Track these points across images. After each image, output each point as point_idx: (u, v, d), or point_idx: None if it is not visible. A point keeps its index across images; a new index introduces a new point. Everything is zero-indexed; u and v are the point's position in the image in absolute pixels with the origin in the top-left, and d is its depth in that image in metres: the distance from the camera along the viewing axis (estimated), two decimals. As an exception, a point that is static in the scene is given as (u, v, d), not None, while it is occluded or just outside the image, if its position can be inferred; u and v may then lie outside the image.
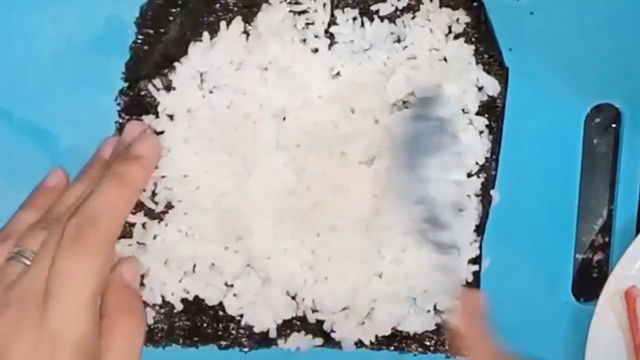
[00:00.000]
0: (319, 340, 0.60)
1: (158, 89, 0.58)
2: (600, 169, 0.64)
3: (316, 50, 0.57)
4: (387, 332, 0.59)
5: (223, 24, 0.58)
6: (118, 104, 0.59)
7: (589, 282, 0.64)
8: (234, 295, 0.58)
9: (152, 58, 0.58)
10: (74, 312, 0.46)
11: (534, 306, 0.63)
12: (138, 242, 0.58)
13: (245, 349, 0.60)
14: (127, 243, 0.58)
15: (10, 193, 0.58)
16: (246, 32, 0.58)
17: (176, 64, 0.58)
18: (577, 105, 0.62)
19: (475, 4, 0.59)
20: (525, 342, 0.63)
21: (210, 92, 0.58)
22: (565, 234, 0.63)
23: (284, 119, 0.57)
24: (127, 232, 0.58)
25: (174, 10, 0.58)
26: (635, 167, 0.63)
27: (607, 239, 0.65)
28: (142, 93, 0.58)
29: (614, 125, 0.64)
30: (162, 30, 0.58)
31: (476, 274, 0.61)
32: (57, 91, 0.59)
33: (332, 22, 0.58)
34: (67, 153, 0.59)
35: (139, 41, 0.58)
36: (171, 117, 0.58)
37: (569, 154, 0.62)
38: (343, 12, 0.58)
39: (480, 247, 0.60)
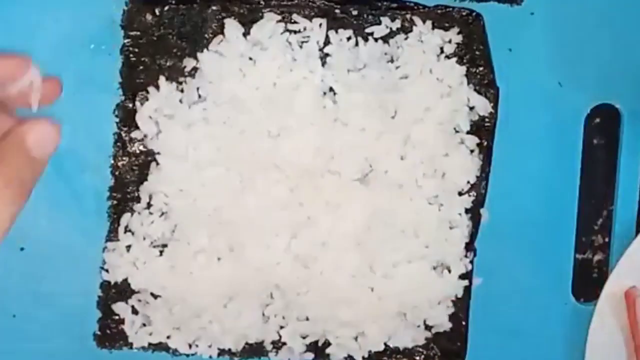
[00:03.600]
0: (310, 355, 0.60)
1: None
2: (600, 169, 0.64)
3: (310, 69, 0.58)
4: (380, 348, 0.60)
5: (220, 38, 0.58)
6: (116, 116, 0.59)
7: (589, 282, 0.64)
8: (224, 305, 0.59)
9: (148, 67, 0.58)
10: None
11: (534, 306, 0.63)
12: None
13: (236, 358, 0.61)
14: (112, 247, 0.59)
15: (10, 193, 0.59)
16: (244, 50, 0.58)
17: (174, 77, 0.58)
18: (577, 105, 0.62)
19: (470, 19, 0.59)
20: (525, 342, 0.63)
21: (206, 108, 0.58)
22: (565, 234, 0.63)
23: (279, 135, 0.57)
24: (112, 235, 0.59)
25: (158, 12, 0.58)
26: (635, 167, 0.63)
27: (607, 239, 0.65)
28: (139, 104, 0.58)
29: (614, 126, 0.64)
30: (151, 32, 0.58)
31: (467, 289, 0.61)
32: (56, 91, 0.58)
33: (327, 41, 0.58)
34: (66, 153, 0.59)
35: (128, 45, 0.58)
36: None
37: (569, 154, 0.62)
38: (337, 32, 0.58)
39: (471, 262, 0.61)
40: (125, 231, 0.59)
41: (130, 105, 0.58)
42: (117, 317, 0.60)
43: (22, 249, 0.59)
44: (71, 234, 0.60)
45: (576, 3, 0.61)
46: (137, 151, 0.59)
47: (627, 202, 0.64)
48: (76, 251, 0.60)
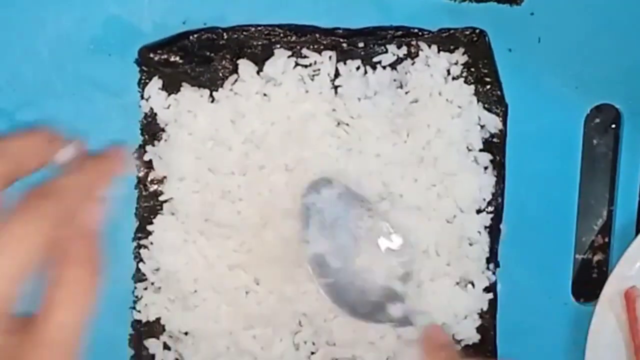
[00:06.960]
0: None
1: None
2: (600, 169, 0.65)
3: (323, 100, 0.58)
4: None
5: (235, 77, 0.58)
6: (136, 158, 0.59)
7: (589, 282, 0.65)
8: (254, 337, 0.59)
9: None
10: None
11: (534, 306, 0.63)
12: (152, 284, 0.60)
13: None
14: (142, 287, 0.60)
15: (9, 193, 0.58)
16: (259, 87, 0.58)
17: (189, 118, 0.58)
18: (577, 106, 0.62)
19: (474, 36, 0.60)
20: (525, 342, 0.63)
21: (224, 146, 0.58)
22: (565, 234, 0.63)
23: (296, 168, 0.58)
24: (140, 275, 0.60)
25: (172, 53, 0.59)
26: (635, 167, 0.63)
27: (607, 239, 0.65)
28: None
29: (613, 126, 0.64)
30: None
31: (492, 302, 0.61)
32: (57, 91, 0.58)
33: (337, 73, 0.59)
34: (66, 153, 0.59)
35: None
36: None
37: (569, 154, 0.62)
38: (345, 64, 0.59)
39: (494, 274, 0.61)
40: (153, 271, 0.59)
41: (150, 146, 0.59)
42: (148, 354, 0.60)
43: (22, 249, 0.59)
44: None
45: (576, 3, 0.61)
46: (158, 192, 0.59)
47: (627, 202, 0.64)
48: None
